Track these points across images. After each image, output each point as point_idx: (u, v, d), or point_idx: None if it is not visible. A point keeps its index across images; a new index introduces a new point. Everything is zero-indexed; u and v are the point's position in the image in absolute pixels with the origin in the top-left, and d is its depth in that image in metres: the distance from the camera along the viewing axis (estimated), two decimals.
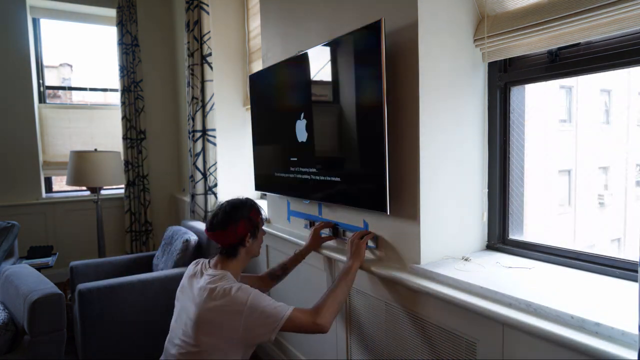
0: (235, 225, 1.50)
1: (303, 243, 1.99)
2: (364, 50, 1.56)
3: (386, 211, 1.50)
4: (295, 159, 2.05)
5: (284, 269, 1.89)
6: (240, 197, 1.61)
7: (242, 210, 1.54)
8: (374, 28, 1.46)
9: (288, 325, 1.37)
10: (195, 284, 1.47)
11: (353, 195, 1.69)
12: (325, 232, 1.97)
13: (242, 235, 1.52)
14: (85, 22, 4.42)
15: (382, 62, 1.44)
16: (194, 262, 1.62)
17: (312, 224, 2.08)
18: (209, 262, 1.55)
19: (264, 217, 1.64)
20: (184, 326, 1.44)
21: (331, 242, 1.96)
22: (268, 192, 2.47)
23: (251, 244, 1.55)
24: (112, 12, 4.27)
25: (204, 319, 1.37)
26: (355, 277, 1.61)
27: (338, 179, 1.77)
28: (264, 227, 1.65)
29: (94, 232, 3.81)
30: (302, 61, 1.94)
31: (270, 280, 1.87)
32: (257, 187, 2.53)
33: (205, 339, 1.37)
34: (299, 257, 1.91)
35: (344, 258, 1.86)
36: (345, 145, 1.73)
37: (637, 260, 1.16)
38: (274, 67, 2.20)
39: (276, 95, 2.25)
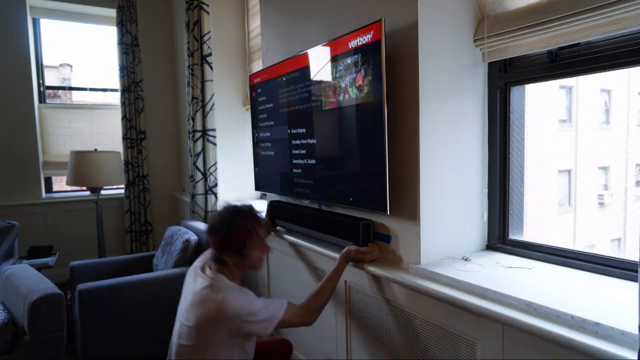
0: (234, 232, 1.46)
1: (303, 242, 2.00)
2: (364, 49, 1.56)
3: (386, 211, 1.50)
4: (295, 158, 2.06)
5: None
6: (244, 204, 1.56)
7: (242, 217, 1.49)
8: (374, 28, 1.46)
9: (281, 325, 1.43)
10: (195, 283, 1.48)
11: (353, 196, 1.69)
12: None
13: (239, 244, 1.47)
14: (85, 22, 4.42)
15: (382, 62, 1.44)
16: (204, 253, 1.61)
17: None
18: (210, 265, 1.51)
19: (264, 226, 1.56)
20: (182, 319, 1.47)
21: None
22: (268, 192, 2.47)
23: (249, 254, 1.49)
24: (112, 12, 4.27)
25: (194, 321, 1.40)
26: (352, 277, 1.60)
27: (338, 179, 1.77)
28: (265, 240, 1.57)
29: (94, 232, 3.81)
30: (302, 61, 1.94)
31: None
32: (258, 187, 2.54)
33: (199, 335, 1.40)
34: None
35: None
36: (346, 145, 1.73)
37: (637, 260, 1.16)
38: (274, 67, 2.20)
39: (276, 95, 2.25)
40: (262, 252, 1.55)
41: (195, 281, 1.48)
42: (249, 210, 1.53)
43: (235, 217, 1.49)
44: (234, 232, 1.46)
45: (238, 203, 1.56)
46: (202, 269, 1.51)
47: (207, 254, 1.59)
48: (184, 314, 1.46)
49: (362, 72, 1.57)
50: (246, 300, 1.42)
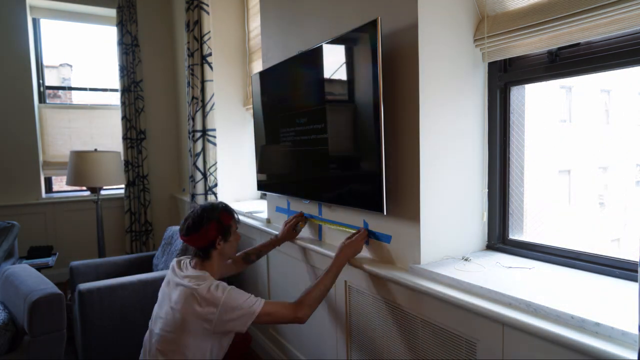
0: (206, 228, 1.56)
1: (304, 244, 2.00)
2: (361, 49, 1.55)
3: (383, 211, 1.50)
4: (294, 158, 2.06)
5: (259, 254, 2.02)
6: (213, 202, 1.69)
7: (211, 213, 1.60)
8: (370, 27, 1.46)
9: (263, 320, 1.48)
10: (177, 282, 1.55)
11: (351, 196, 1.69)
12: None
13: (213, 238, 1.58)
14: (85, 22, 4.42)
15: (378, 61, 1.44)
16: (177, 259, 1.69)
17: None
18: (189, 261, 1.63)
19: (237, 219, 1.70)
20: (163, 320, 1.53)
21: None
22: (269, 192, 2.47)
23: (223, 246, 1.61)
24: (112, 12, 4.27)
25: (182, 318, 1.46)
26: (352, 278, 1.61)
27: (335, 179, 1.77)
28: (237, 230, 1.70)
29: (94, 232, 3.81)
30: (301, 60, 1.94)
31: (244, 263, 1.99)
32: (260, 187, 2.54)
33: (183, 335, 1.47)
34: (274, 243, 2.03)
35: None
36: (343, 145, 1.73)
37: (637, 260, 1.16)
38: (275, 66, 2.20)
39: (276, 95, 2.25)
40: (235, 242, 1.68)
41: (177, 282, 1.56)
42: (218, 204, 1.65)
43: (207, 213, 1.60)
44: (210, 227, 1.57)
45: (212, 202, 1.70)
46: (182, 271, 1.59)
47: (180, 260, 1.68)
48: (169, 312, 1.52)
49: (359, 71, 1.57)
50: (232, 291, 1.50)
